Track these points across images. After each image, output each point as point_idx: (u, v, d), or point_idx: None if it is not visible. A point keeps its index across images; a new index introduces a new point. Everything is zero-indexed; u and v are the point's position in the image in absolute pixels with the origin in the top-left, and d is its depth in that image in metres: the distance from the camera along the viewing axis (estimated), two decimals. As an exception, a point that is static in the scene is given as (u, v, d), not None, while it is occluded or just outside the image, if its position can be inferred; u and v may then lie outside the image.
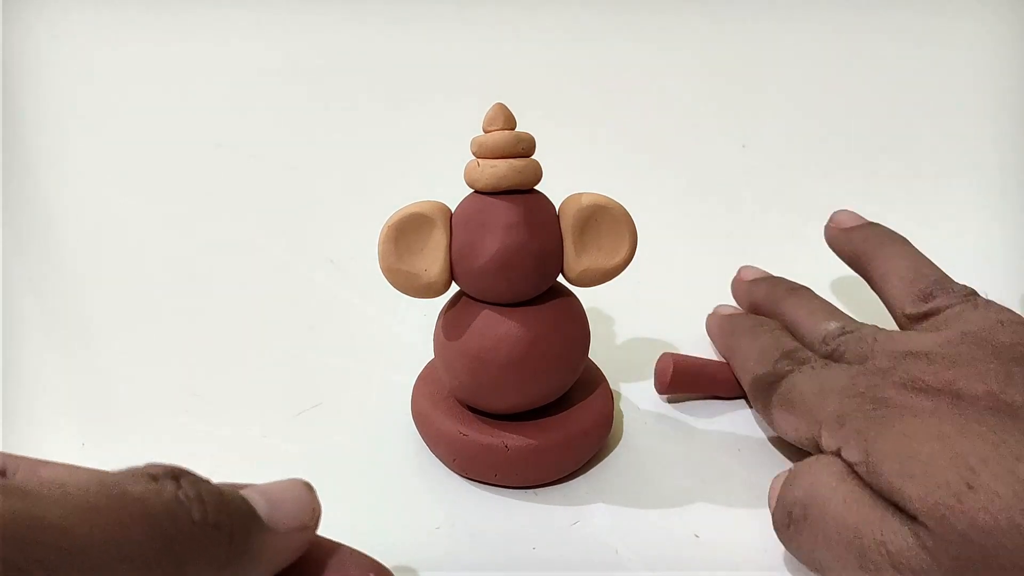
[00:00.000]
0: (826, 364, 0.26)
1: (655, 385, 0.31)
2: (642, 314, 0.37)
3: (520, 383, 0.25)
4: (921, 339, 0.24)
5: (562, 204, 0.25)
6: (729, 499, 0.26)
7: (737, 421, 0.30)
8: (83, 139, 0.59)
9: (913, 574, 0.18)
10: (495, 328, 0.25)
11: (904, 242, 0.30)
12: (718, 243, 0.45)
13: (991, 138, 0.55)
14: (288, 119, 0.61)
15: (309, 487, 0.19)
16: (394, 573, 0.23)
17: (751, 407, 0.30)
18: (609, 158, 0.55)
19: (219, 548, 0.16)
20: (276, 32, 0.65)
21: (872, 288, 0.30)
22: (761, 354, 0.28)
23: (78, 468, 0.16)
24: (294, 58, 0.64)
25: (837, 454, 0.22)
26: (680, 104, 0.61)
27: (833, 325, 0.28)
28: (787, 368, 0.27)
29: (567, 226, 0.25)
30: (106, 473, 0.15)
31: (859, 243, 0.31)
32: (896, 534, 0.19)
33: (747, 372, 0.29)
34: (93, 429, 0.30)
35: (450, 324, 0.26)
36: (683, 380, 0.30)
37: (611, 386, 0.29)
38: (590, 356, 0.28)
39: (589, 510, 0.26)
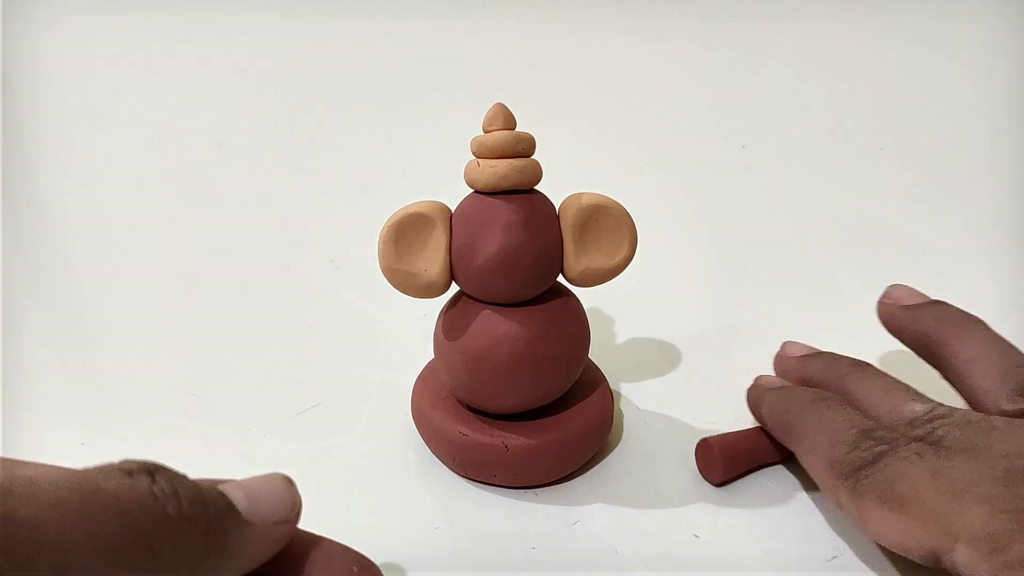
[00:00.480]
0: (936, 452, 0.22)
1: (704, 474, 0.27)
2: (642, 314, 0.37)
3: (520, 383, 0.25)
4: None
5: (562, 204, 0.25)
6: (729, 499, 0.26)
7: (737, 421, 0.30)
8: (83, 139, 0.59)
9: None
10: (495, 328, 0.25)
11: (984, 326, 0.26)
12: (718, 243, 0.45)
13: (993, 138, 0.55)
14: (288, 119, 0.61)
15: (289, 481, 0.19)
16: (392, 570, 0.23)
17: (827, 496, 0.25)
18: (609, 158, 0.55)
19: (195, 542, 0.16)
20: (277, 32, 0.65)
21: (947, 377, 0.26)
22: (834, 434, 0.24)
23: (53, 466, 0.16)
24: (294, 58, 0.64)
25: None
26: (680, 104, 0.61)
27: (919, 407, 0.24)
28: (876, 449, 0.22)
29: (567, 226, 0.25)
30: (80, 470, 0.15)
31: (930, 324, 0.27)
32: None
33: (819, 457, 0.24)
34: (93, 429, 0.30)
35: (450, 324, 0.26)
36: (734, 463, 0.27)
37: (611, 386, 0.29)
38: (590, 356, 0.28)
39: (589, 510, 0.26)
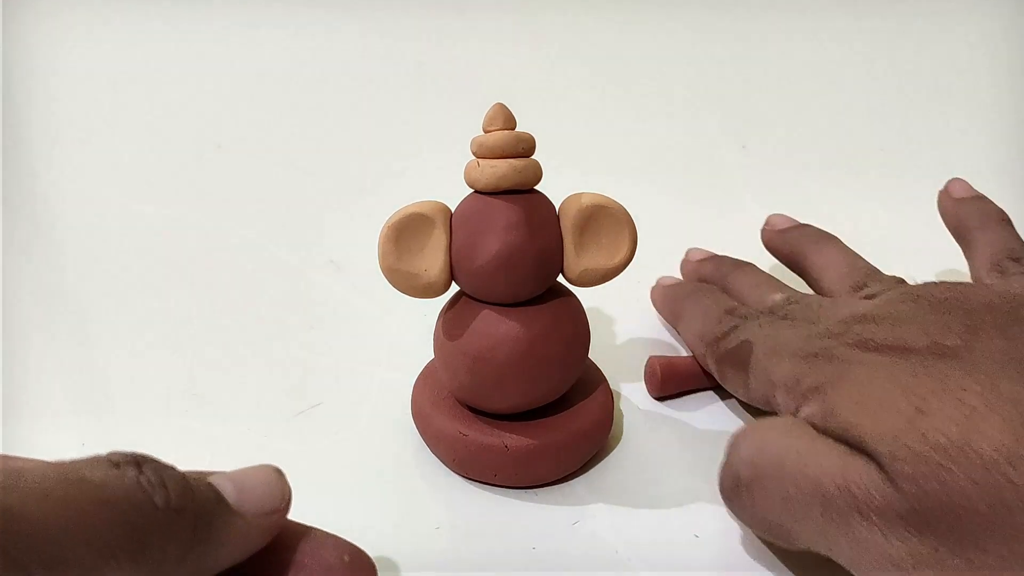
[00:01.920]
0: (773, 322, 0.27)
1: (647, 389, 0.32)
2: (642, 314, 0.37)
3: (520, 383, 0.25)
4: (865, 304, 0.25)
5: (562, 204, 0.25)
6: (729, 499, 0.26)
7: (738, 421, 0.30)
8: (84, 139, 0.59)
9: (878, 514, 0.18)
10: (495, 328, 0.25)
11: (836, 240, 0.32)
12: (718, 243, 0.45)
13: (992, 138, 0.55)
14: (288, 119, 0.61)
15: (279, 472, 0.20)
16: (392, 570, 0.23)
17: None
18: (609, 158, 0.55)
19: (183, 533, 0.16)
20: (276, 32, 0.65)
21: (809, 284, 0.32)
22: (705, 313, 0.30)
23: (39, 460, 0.16)
24: (294, 58, 0.64)
25: (794, 414, 0.23)
26: (680, 104, 0.61)
27: (779, 296, 0.29)
28: (732, 323, 0.28)
29: (567, 226, 0.25)
30: (67, 462, 0.16)
31: (794, 243, 0.33)
32: (859, 474, 0.19)
33: (692, 332, 0.30)
34: (93, 429, 0.30)
35: (450, 324, 0.26)
36: (672, 380, 0.31)
37: (611, 386, 0.29)
38: (590, 356, 0.28)
39: (589, 510, 0.26)
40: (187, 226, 0.48)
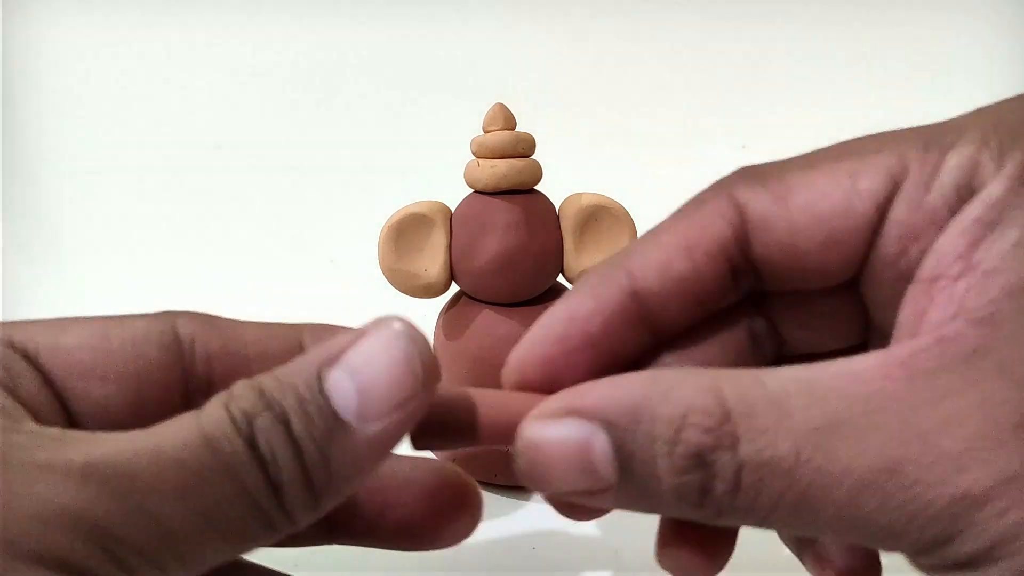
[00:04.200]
0: None
1: None
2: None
3: (520, 383, 0.25)
4: None
5: (562, 204, 0.25)
6: (729, 499, 0.26)
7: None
8: (82, 139, 0.59)
9: None
10: (495, 328, 0.25)
11: None
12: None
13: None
14: (288, 119, 0.61)
15: (408, 336, 0.15)
16: (391, 571, 0.23)
17: None
18: (609, 158, 0.55)
19: (300, 495, 0.13)
20: (276, 32, 0.65)
21: None
22: None
23: (165, 427, 0.13)
24: (293, 58, 0.64)
25: None
26: (680, 104, 0.61)
27: None
28: None
29: (567, 226, 0.25)
30: (195, 428, 0.13)
31: None
32: None
33: None
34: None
35: (450, 324, 0.26)
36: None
37: (611, 386, 0.29)
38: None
39: (589, 510, 0.26)
40: (187, 226, 0.48)
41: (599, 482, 0.14)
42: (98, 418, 0.15)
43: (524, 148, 0.24)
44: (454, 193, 0.26)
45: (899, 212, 0.15)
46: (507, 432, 0.16)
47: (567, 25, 0.64)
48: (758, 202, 0.16)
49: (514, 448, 0.15)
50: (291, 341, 0.18)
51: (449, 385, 0.26)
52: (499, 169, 0.24)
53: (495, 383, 0.25)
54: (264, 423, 0.13)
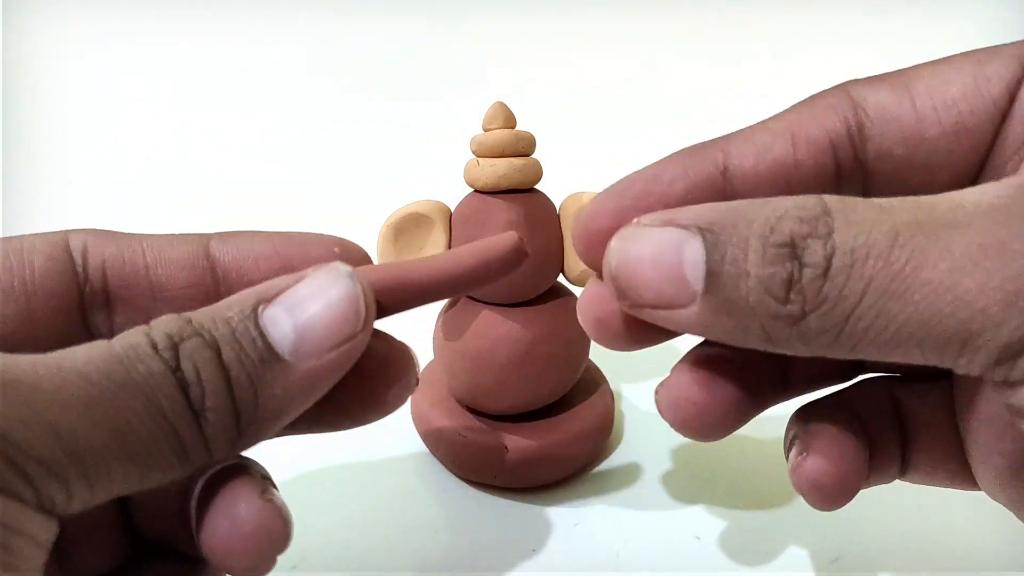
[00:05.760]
0: None
1: None
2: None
3: (520, 383, 0.25)
4: None
5: (563, 203, 0.25)
6: (730, 500, 0.26)
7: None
8: (84, 142, 0.59)
9: None
10: (495, 328, 0.25)
11: None
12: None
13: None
14: (287, 119, 0.61)
15: (350, 274, 0.14)
16: (392, 572, 0.23)
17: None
18: (610, 157, 0.55)
19: (223, 427, 0.13)
20: (276, 32, 0.65)
21: None
22: None
23: (76, 349, 0.13)
24: (293, 59, 0.64)
25: None
26: (681, 103, 0.61)
27: None
28: None
29: (568, 226, 0.25)
30: (107, 351, 0.13)
31: None
32: None
33: None
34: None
35: (450, 324, 0.26)
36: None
37: (611, 387, 0.29)
38: (590, 357, 0.28)
39: (590, 511, 0.25)
40: (185, 225, 0.48)
41: (684, 290, 0.14)
42: None
43: (524, 147, 0.24)
44: (454, 192, 0.26)
45: None
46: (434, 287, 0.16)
47: (567, 25, 0.64)
48: (878, 95, 0.15)
49: (607, 253, 0.15)
50: (195, 246, 0.17)
51: (446, 384, 0.25)
52: (499, 168, 0.24)
53: (495, 383, 0.25)
54: (191, 347, 0.13)
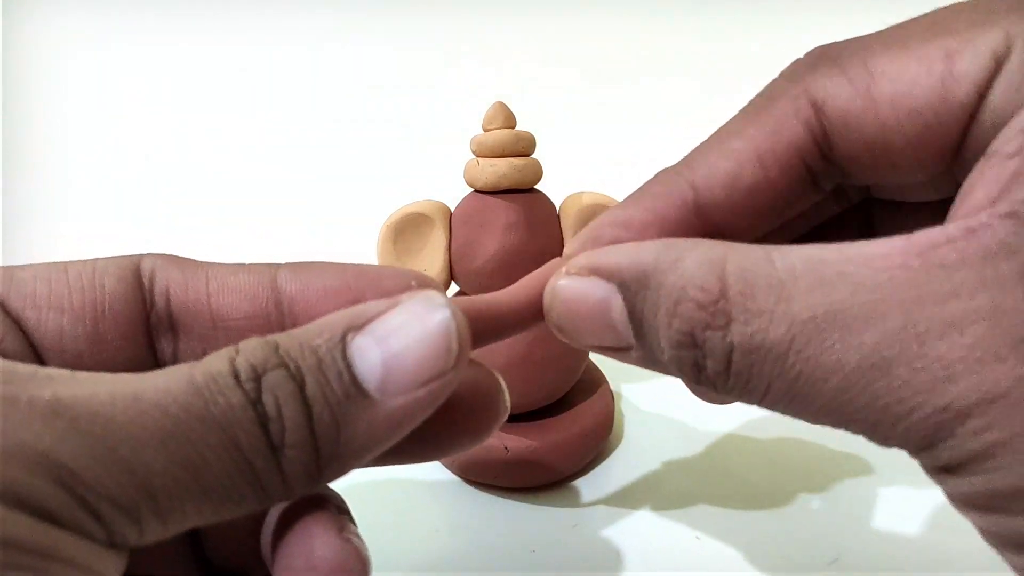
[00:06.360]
0: None
1: None
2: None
3: (520, 383, 0.25)
4: None
5: (563, 203, 0.25)
6: (730, 500, 0.26)
7: (738, 422, 0.30)
8: (84, 142, 0.59)
9: None
10: (495, 328, 0.25)
11: None
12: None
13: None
14: (287, 119, 0.61)
15: (442, 302, 0.14)
16: (392, 574, 0.23)
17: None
18: (610, 157, 0.55)
19: (297, 469, 0.13)
20: (276, 32, 0.65)
21: None
22: None
23: (153, 374, 0.12)
24: (293, 59, 0.64)
25: None
26: (681, 103, 0.61)
27: None
28: None
29: (568, 225, 0.25)
30: (187, 379, 0.12)
31: None
32: None
33: None
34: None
35: (449, 324, 0.26)
36: None
37: (611, 387, 0.29)
38: (590, 356, 0.28)
39: (589, 512, 0.25)
40: (186, 227, 0.48)
41: (620, 340, 0.14)
42: (56, 350, 0.14)
43: (524, 147, 0.24)
44: (454, 192, 0.26)
45: (998, 97, 0.13)
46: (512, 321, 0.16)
47: (567, 24, 0.64)
48: (839, 97, 0.14)
49: (545, 302, 0.15)
50: (261, 276, 0.16)
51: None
52: (499, 168, 0.24)
53: (495, 383, 0.25)
54: (274, 379, 0.12)
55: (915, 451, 0.12)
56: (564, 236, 0.25)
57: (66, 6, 0.63)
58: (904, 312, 0.12)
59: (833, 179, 0.15)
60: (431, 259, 0.25)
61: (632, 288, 0.14)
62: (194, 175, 0.55)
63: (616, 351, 0.14)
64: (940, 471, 0.12)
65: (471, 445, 0.16)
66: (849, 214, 0.18)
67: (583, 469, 0.27)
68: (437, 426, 0.15)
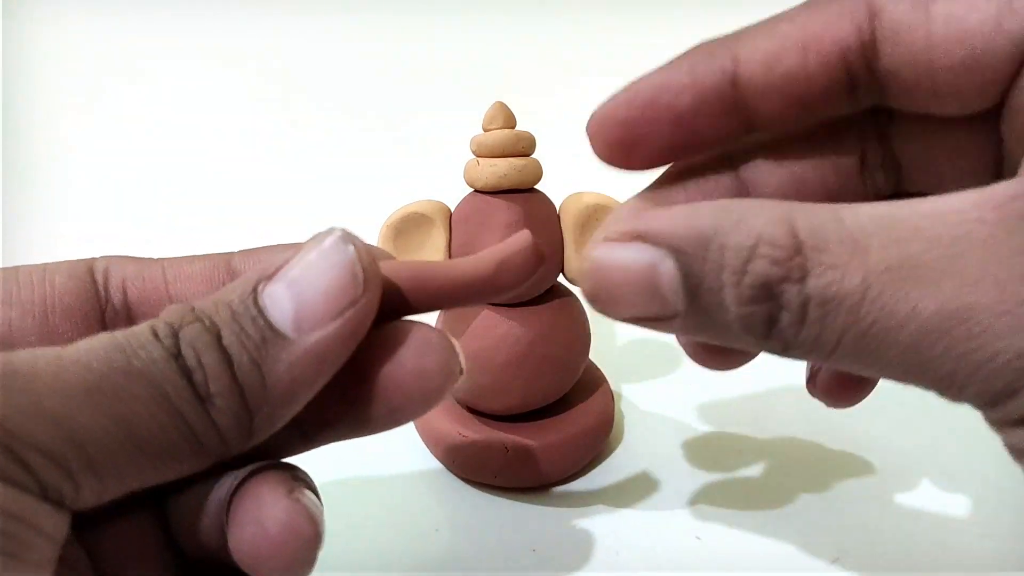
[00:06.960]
0: None
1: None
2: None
3: (520, 383, 0.25)
4: None
5: (563, 203, 0.25)
6: (730, 500, 0.26)
7: (739, 422, 0.30)
8: (80, 138, 0.59)
9: None
10: (495, 328, 0.25)
11: None
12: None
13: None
14: (288, 118, 0.61)
15: (345, 238, 0.14)
16: (392, 573, 0.23)
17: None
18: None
19: (233, 413, 0.13)
20: (275, 31, 0.65)
21: None
22: None
23: (80, 344, 0.13)
24: (294, 57, 0.64)
25: None
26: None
27: None
28: None
29: (568, 226, 0.25)
30: (109, 342, 0.13)
31: None
32: None
33: None
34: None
35: (450, 324, 0.26)
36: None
37: (611, 387, 0.29)
38: (590, 356, 0.28)
39: (590, 511, 0.25)
40: (186, 227, 0.48)
41: (666, 308, 0.14)
42: (7, 343, 0.15)
43: (524, 147, 0.24)
44: (454, 192, 0.26)
45: None
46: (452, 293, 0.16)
47: (567, 25, 0.64)
48: (896, 5, 0.14)
49: (581, 271, 0.15)
50: (216, 261, 0.17)
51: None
52: (499, 168, 0.24)
53: (495, 383, 0.25)
54: (190, 332, 0.13)
55: (991, 402, 0.12)
56: (564, 235, 0.25)
57: (66, 6, 0.63)
58: (983, 263, 0.12)
59: (871, 95, 0.15)
60: (431, 259, 0.25)
61: (689, 251, 0.13)
62: (194, 175, 0.55)
63: (657, 321, 0.14)
64: (1018, 423, 0.12)
65: (424, 408, 0.16)
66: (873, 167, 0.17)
67: (583, 469, 0.27)
68: (388, 386, 0.15)
